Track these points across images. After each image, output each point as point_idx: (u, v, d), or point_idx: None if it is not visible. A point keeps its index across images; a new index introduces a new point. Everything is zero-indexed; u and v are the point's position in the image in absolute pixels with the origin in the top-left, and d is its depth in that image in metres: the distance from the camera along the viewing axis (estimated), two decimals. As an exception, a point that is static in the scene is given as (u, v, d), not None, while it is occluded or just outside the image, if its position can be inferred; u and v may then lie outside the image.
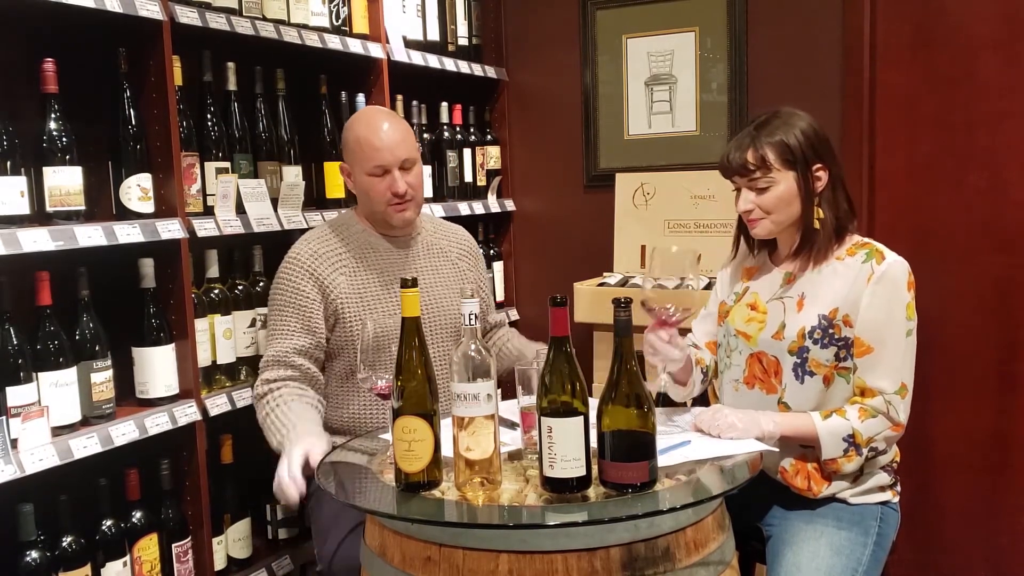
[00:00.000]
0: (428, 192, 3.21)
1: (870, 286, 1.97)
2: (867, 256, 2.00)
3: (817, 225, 2.02)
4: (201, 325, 2.35)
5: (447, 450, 1.72)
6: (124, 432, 2.11)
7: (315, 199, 2.84)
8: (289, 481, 1.95)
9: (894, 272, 1.97)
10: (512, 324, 3.45)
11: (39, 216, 2.05)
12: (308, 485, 2.03)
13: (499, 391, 1.76)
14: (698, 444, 1.86)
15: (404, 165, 2.34)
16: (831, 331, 1.99)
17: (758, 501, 2.11)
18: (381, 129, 2.32)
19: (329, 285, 2.35)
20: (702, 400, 2.37)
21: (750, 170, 2.01)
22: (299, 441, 2.03)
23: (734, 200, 2.08)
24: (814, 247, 2.03)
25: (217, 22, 2.35)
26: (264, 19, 2.53)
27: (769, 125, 2.02)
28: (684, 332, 2.12)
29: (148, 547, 2.20)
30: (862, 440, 1.95)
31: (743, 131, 2.07)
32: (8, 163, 1.95)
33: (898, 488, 2.11)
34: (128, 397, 2.25)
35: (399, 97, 3.05)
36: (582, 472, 1.62)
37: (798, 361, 2.02)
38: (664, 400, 2.28)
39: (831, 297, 2.00)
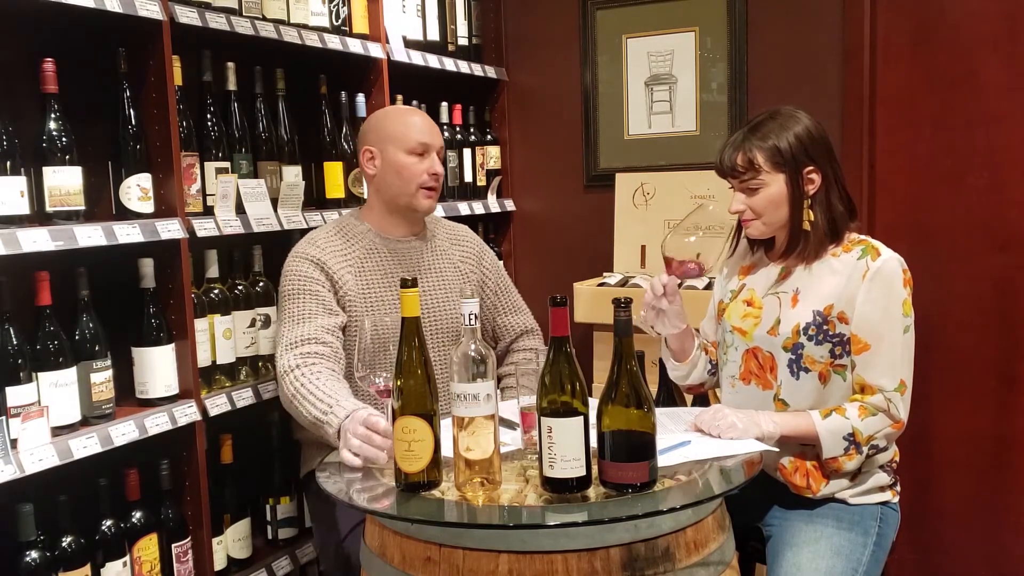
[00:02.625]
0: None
1: (865, 283, 1.97)
2: (862, 253, 2.00)
3: (807, 227, 2.02)
4: (201, 325, 2.35)
5: (447, 450, 1.72)
6: (124, 432, 2.11)
7: (315, 199, 2.84)
8: (383, 440, 1.82)
9: (889, 268, 1.98)
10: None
11: (39, 216, 2.05)
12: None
13: (499, 391, 1.76)
14: (698, 444, 1.86)
15: (439, 152, 2.45)
16: (825, 327, 1.99)
17: (758, 501, 2.11)
18: (420, 114, 2.49)
19: (338, 279, 2.35)
20: (702, 400, 2.37)
21: (740, 172, 2.02)
22: (356, 410, 1.92)
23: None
24: (803, 249, 2.04)
25: (217, 22, 2.35)
26: (264, 19, 2.53)
27: (763, 127, 2.02)
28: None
29: (148, 547, 2.20)
30: (862, 438, 1.95)
31: (738, 132, 2.07)
32: (8, 163, 1.95)
33: (898, 488, 2.11)
34: (128, 397, 2.24)
35: (399, 97, 3.05)
36: (582, 472, 1.62)
37: (793, 357, 2.02)
38: (664, 400, 2.29)
39: (826, 293, 2.01)
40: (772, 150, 1.99)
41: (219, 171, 2.44)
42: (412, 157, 2.38)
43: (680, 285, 2.10)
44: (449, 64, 3.33)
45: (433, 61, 3.24)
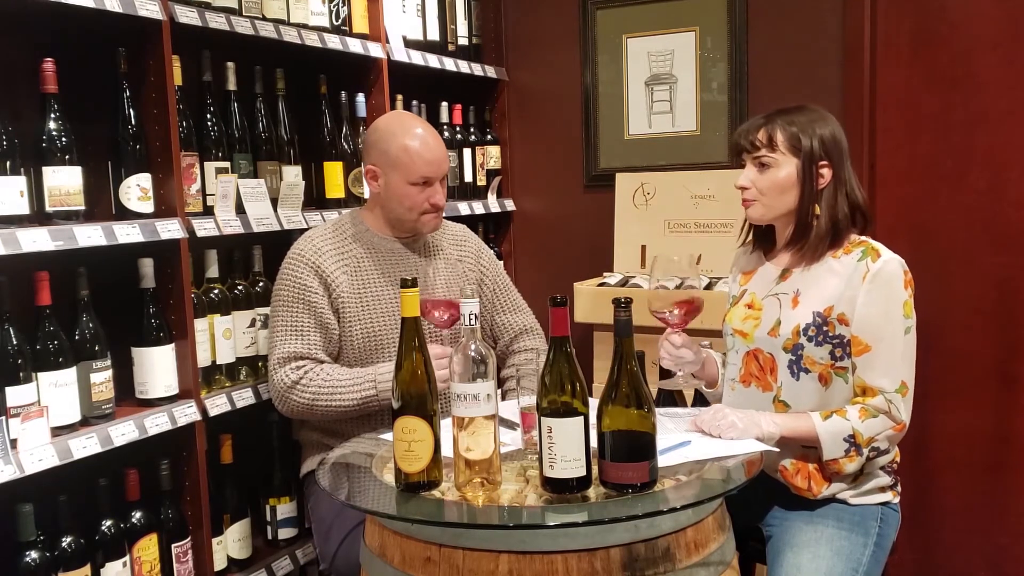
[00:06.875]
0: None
1: (865, 284, 1.97)
2: (863, 254, 2.00)
3: (812, 221, 2.03)
4: (201, 325, 2.35)
5: (447, 450, 1.72)
6: (124, 432, 2.11)
7: (315, 199, 2.84)
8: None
9: (889, 270, 1.97)
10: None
11: (39, 216, 2.04)
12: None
13: (499, 391, 1.77)
14: (698, 444, 1.86)
15: (443, 180, 2.42)
16: (825, 328, 1.99)
17: (758, 501, 2.11)
18: (429, 141, 2.38)
19: (332, 282, 2.36)
20: (702, 400, 2.37)
21: (756, 146, 2.03)
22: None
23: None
24: (807, 242, 2.03)
25: (217, 22, 2.35)
26: (264, 19, 2.53)
27: (792, 114, 2.05)
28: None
29: (148, 547, 2.20)
30: (863, 440, 1.95)
31: (765, 113, 2.09)
32: (8, 163, 1.95)
33: (898, 489, 2.11)
34: (128, 397, 2.24)
35: (399, 97, 3.05)
36: (582, 472, 1.62)
37: (793, 358, 2.02)
38: (664, 400, 2.28)
39: (826, 294, 2.01)
40: (793, 134, 2.01)
41: (219, 171, 2.44)
42: (414, 187, 2.37)
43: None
44: (449, 64, 3.33)
45: (433, 61, 3.24)
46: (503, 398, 2.31)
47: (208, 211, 2.40)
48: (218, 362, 2.43)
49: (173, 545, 2.28)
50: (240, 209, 2.43)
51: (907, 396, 1.98)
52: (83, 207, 2.10)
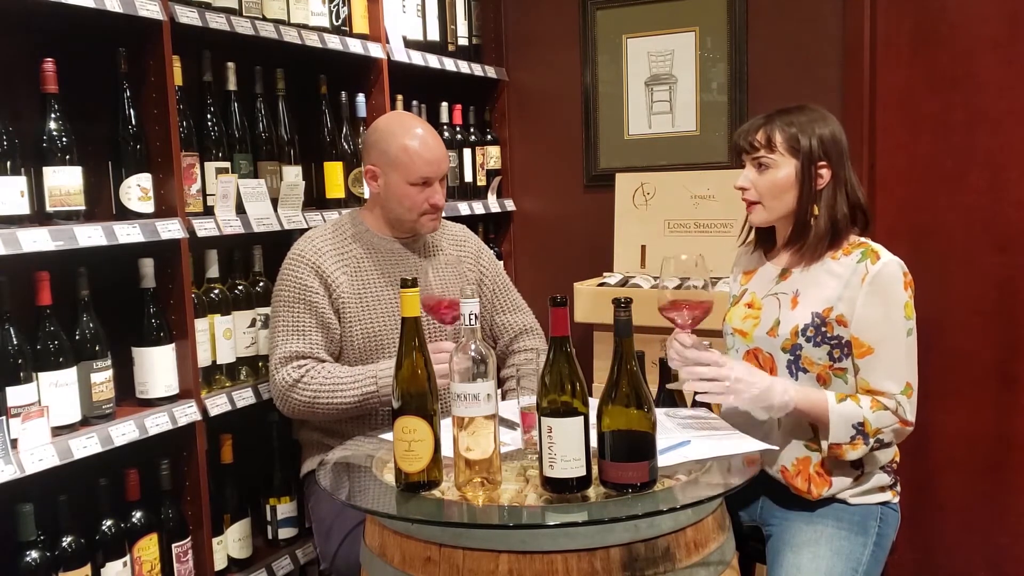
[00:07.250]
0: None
1: (865, 286, 1.96)
2: (862, 256, 2.00)
3: (811, 221, 2.03)
4: (201, 325, 2.35)
5: (447, 450, 1.72)
6: (124, 432, 2.11)
7: (315, 199, 2.84)
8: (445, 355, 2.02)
9: (889, 272, 1.97)
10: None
11: (39, 216, 2.05)
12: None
13: (499, 391, 1.77)
14: (698, 444, 1.86)
15: (442, 180, 2.42)
16: (823, 329, 1.99)
17: (758, 501, 2.11)
18: (428, 142, 2.39)
19: (332, 282, 2.37)
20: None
21: (755, 147, 2.03)
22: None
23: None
24: (806, 242, 2.03)
25: (217, 22, 2.35)
26: (264, 19, 2.53)
27: (791, 114, 2.05)
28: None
29: (148, 547, 2.20)
30: (871, 429, 1.94)
31: (765, 113, 2.09)
32: (8, 163, 1.95)
33: (898, 488, 2.11)
34: (128, 397, 2.24)
35: (399, 97, 3.05)
36: (582, 472, 1.62)
37: (791, 358, 2.02)
38: (665, 400, 2.28)
39: (825, 295, 2.01)
40: (792, 135, 2.01)
41: (219, 171, 2.44)
42: (413, 187, 2.37)
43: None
44: (449, 64, 3.33)
45: (433, 61, 3.24)
46: (503, 398, 2.31)
47: (208, 211, 2.40)
48: (218, 362, 2.43)
49: (173, 545, 2.28)
50: (240, 209, 2.43)
51: (912, 397, 1.98)
52: (83, 207, 2.10)
